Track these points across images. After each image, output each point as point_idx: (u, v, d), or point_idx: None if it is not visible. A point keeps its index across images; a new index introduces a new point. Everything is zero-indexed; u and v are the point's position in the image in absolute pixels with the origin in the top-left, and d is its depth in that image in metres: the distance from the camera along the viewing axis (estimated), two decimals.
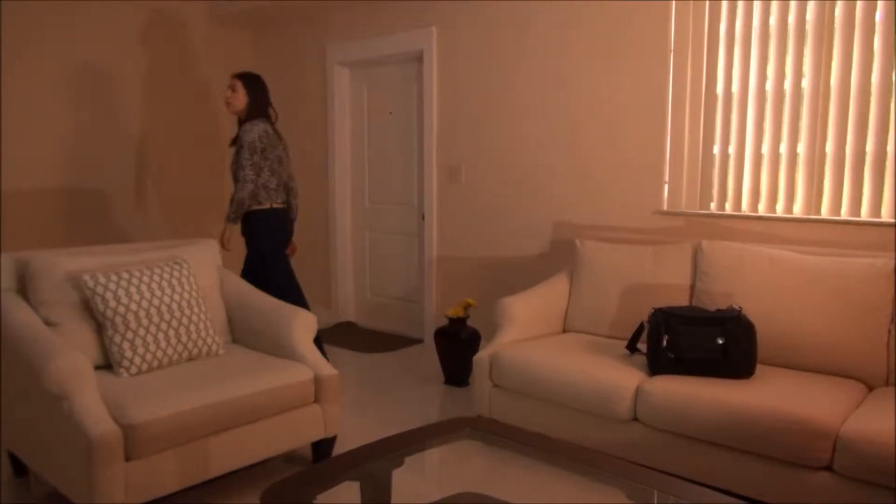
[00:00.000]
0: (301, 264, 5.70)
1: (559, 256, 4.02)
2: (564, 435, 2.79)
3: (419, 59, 4.75)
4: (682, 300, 3.08)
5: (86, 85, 4.87)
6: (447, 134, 4.51)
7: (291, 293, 3.77)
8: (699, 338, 2.60)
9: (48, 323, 2.55)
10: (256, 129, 3.59)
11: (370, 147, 5.21)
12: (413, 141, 4.89)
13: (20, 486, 2.69)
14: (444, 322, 4.61)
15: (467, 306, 3.90)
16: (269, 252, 3.72)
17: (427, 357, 4.52)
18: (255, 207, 3.65)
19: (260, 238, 3.68)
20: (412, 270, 5.01)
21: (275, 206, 3.70)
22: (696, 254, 3.13)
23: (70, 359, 2.19)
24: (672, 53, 3.50)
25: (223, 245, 3.71)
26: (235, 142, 3.67)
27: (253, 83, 3.69)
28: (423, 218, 4.84)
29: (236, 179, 3.60)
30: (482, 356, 3.04)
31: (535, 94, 4.04)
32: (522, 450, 2.09)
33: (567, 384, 2.72)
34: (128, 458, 2.18)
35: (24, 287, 2.67)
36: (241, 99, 3.68)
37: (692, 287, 3.10)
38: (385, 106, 5.06)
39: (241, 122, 3.70)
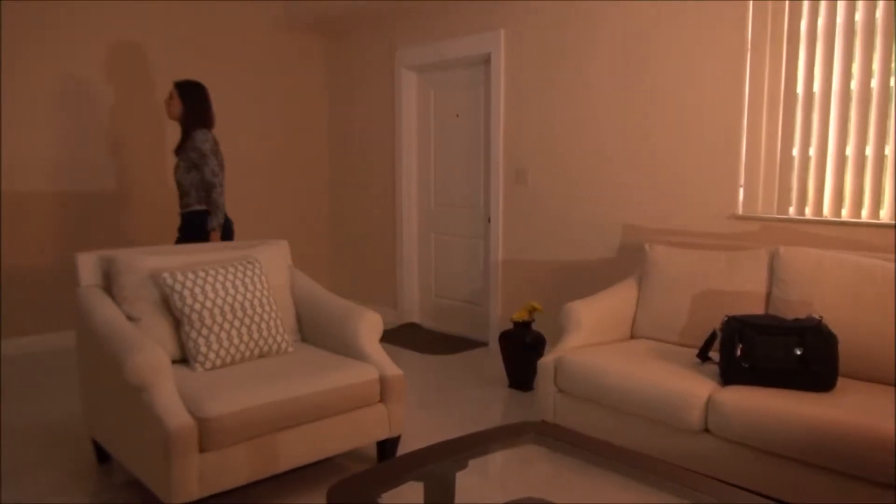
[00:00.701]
0: (367, 265, 5.79)
1: (627, 261, 3.94)
2: (631, 443, 2.73)
3: (486, 61, 4.76)
4: (756, 308, 2.97)
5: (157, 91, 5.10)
6: (514, 136, 4.50)
7: None
8: (776, 348, 2.50)
9: (130, 318, 2.67)
10: (210, 138, 3.74)
11: (436, 150, 5.25)
12: (479, 143, 4.90)
13: (103, 472, 2.83)
14: (509, 325, 4.59)
15: (532, 310, 3.87)
16: None
17: (491, 360, 4.51)
18: (198, 208, 3.77)
19: (206, 239, 3.79)
20: (477, 273, 5.01)
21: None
22: (773, 260, 3.01)
23: (150, 353, 2.29)
24: (749, 52, 3.38)
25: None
26: (179, 150, 3.78)
27: (188, 92, 3.79)
28: (488, 220, 4.84)
29: (208, 186, 3.70)
30: (547, 360, 3.01)
31: (604, 95, 3.97)
32: (587, 457, 2.06)
33: (635, 391, 2.66)
34: (202, 450, 2.26)
35: (108, 283, 2.81)
36: (176, 106, 3.80)
37: (768, 295, 2.98)
38: (452, 109, 5.09)
39: (184, 130, 3.80)
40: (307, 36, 5.86)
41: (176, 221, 5.12)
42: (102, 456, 2.90)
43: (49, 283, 4.69)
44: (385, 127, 5.50)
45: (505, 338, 3.91)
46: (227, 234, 3.92)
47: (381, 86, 5.49)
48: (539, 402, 3.06)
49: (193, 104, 3.78)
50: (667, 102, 3.70)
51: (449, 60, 4.92)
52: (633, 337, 3.36)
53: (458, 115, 5.04)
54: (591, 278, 4.13)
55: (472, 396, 3.78)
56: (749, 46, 3.38)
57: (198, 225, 3.78)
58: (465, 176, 5.04)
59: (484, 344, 4.90)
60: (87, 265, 2.80)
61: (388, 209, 5.54)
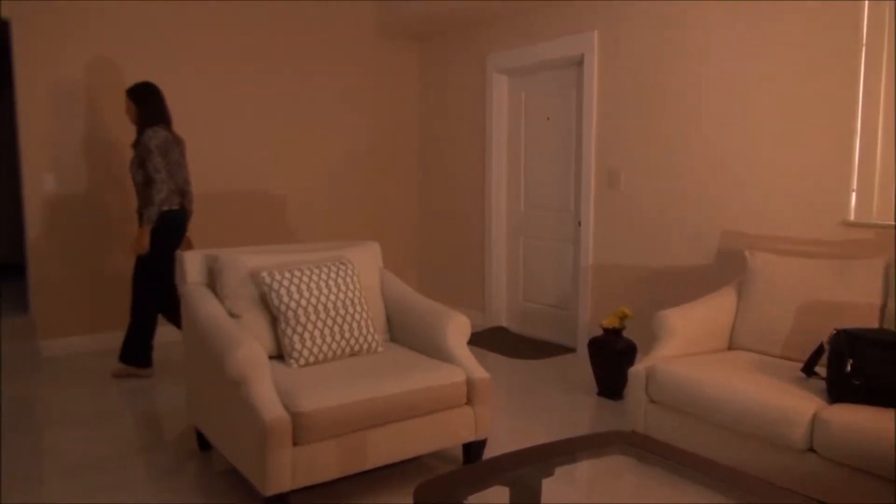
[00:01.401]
0: (456, 268, 5.82)
1: (726, 268, 3.78)
2: (726, 459, 2.61)
3: (579, 63, 4.69)
4: (869, 322, 2.77)
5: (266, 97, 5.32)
6: (606, 139, 4.41)
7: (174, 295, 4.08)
8: (890, 364, 2.32)
9: (231, 314, 2.80)
10: (158, 135, 3.87)
11: (527, 152, 5.22)
12: (571, 146, 4.83)
13: (204, 459, 2.98)
14: (598, 331, 4.50)
15: (623, 316, 3.78)
16: (163, 251, 3.96)
17: (579, 366, 4.43)
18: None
19: (157, 238, 3.92)
20: (566, 277, 4.94)
21: (172, 208, 3.97)
22: (889, 270, 2.80)
23: (249, 348, 2.40)
24: (864, 49, 3.17)
25: (139, 248, 3.91)
26: (136, 145, 3.91)
27: (137, 94, 3.96)
28: (579, 224, 4.76)
29: (148, 182, 3.85)
30: (638, 369, 2.93)
31: (703, 95, 3.83)
32: (679, 470, 1.99)
33: (733, 405, 2.55)
34: (295, 444, 2.34)
35: (212, 281, 2.96)
36: (132, 111, 3.99)
37: (883, 308, 2.78)
38: (543, 111, 5.05)
39: (140, 130, 3.94)
40: (399, 42, 5.97)
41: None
42: (203, 444, 3.06)
43: None
44: (475, 130, 5.52)
45: (594, 344, 3.83)
46: (178, 231, 4.02)
47: (471, 89, 5.52)
48: (629, 411, 2.98)
49: (143, 104, 3.96)
50: (772, 101, 3.53)
51: (540, 63, 4.88)
52: (731, 348, 3.21)
53: (548, 118, 5.00)
54: (685, 285, 3.99)
55: (559, 402, 3.73)
56: (864, 43, 3.17)
57: (156, 225, 3.93)
58: (555, 179, 4.98)
59: (572, 350, 4.82)
60: (193, 263, 2.96)
61: (478, 212, 5.56)
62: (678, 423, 2.79)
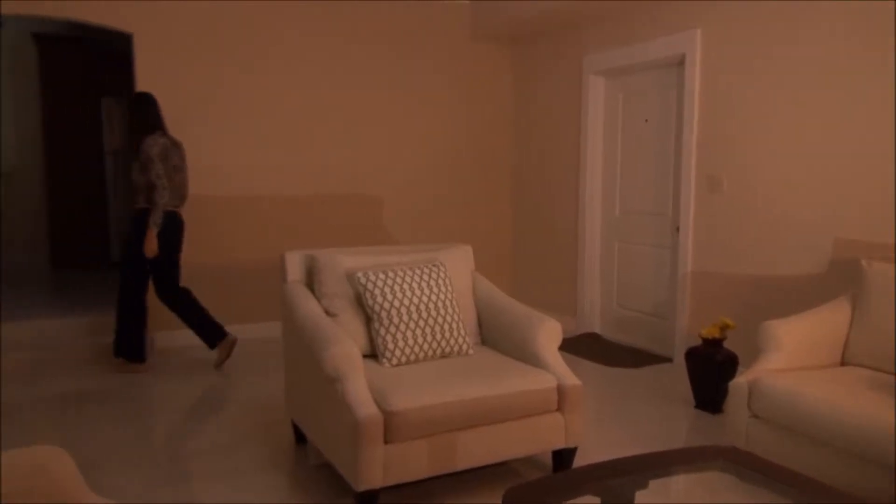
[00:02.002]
0: (548, 272, 5.77)
1: (838, 278, 3.55)
2: (836, 482, 2.45)
3: (680, 63, 4.53)
4: None
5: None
6: (708, 141, 4.24)
7: (181, 291, 4.31)
8: None
9: (328, 313, 2.89)
10: (158, 142, 4.07)
11: (623, 155, 5.10)
12: (669, 149, 4.68)
13: (299, 452, 3.09)
14: (697, 341, 4.33)
15: (725, 327, 3.62)
16: (166, 251, 4.16)
17: (675, 377, 4.28)
18: (144, 206, 4.10)
19: (160, 238, 4.10)
20: (663, 284, 4.78)
21: (175, 209, 4.21)
22: None
23: (345, 347, 2.47)
24: None
25: (150, 251, 4.07)
26: (137, 152, 4.12)
27: (136, 105, 4.18)
28: (677, 230, 4.60)
29: (151, 187, 4.03)
30: (740, 382, 2.79)
31: (816, 95, 3.61)
32: (784, 490, 1.88)
33: (846, 424, 2.38)
34: (386, 442, 2.39)
35: (310, 280, 3.07)
36: (131, 119, 4.22)
37: None
38: (640, 113, 4.92)
39: (139, 137, 4.14)
40: (493, 45, 5.98)
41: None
42: (300, 437, 3.17)
43: (265, 277, 5.22)
44: (570, 133, 5.45)
45: (693, 354, 3.69)
46: (176, 232, 4.22)
47: (567, 91, 5.45)
48: (729, 426, 2.84)
49: (138, 113, 4.17)
50: (892, 98, 3.28)
51: (639, 64, 4.76)
52: (843, 364, 3.01)
53: (646, 120, 4.86)
54: (793, 296, 3.77)
55: (653, 414, 3.62)
56: None
57: (143, 223, 4.10)
58: (652, 183, 4.84)
59: (668, 359, 4.66)
60: (294, 263, 3.08)
61: (571, 216, 5.48)
62: (782, 441, 2.64)
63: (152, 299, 4.59)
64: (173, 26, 4.79)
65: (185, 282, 4.93)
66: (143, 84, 4.74)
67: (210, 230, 5.02)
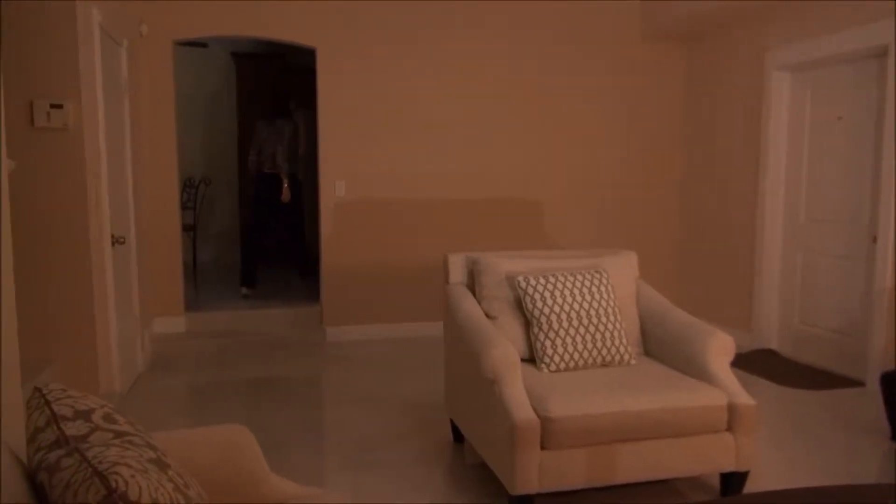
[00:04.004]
0: (719, 282, 5.42)
1: None
2: None
3: (881, 54, 4.07)
4: None
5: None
6: None
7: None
8: None
9: (488, 315, 2.93)
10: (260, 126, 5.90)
11: (810, 157, 4.67)
12: (866, 150, 4.21)
13: (456, 451, 3.16)
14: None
15: None
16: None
17: (867, 403, 3.84)
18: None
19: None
20: (854, 300, 4.31)
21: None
22: None
23: (504, 349, 2.48)
24: None
25: (286, 196, 5.86)
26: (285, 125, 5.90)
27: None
28: (874, 240, 4.13)
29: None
30: None
31: None
32: None
33: None
34: (543, 448, 2.37)
35: (471, 282, 3.12)
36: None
37: None
38: (832, 111, 4.47)
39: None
40: (665, 43, 5.73)
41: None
42: (458, 436, 3.24)
43: (429, 278, 5.41)
44: (749, 133, 5.09)
45: (890, 379, 3.29)
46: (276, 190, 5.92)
47: (745, 90, 5.09)
48: None
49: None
50: None
51: (831, 57, 4.33)
52: None
53: (840, 118, 4.41)
54: None
55: (838, 442, 3.27)
56: None
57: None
58: (845, 187, 4.38)
59: (859, 383, 4.19)
60: (456, 265, 3.15)
61: (747, 223, 5.11)
62: None
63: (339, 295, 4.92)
64: (350, 41, 5.11)
65: (358, 280, 5.24)
66: (323, 94, 5.10)
67: (379, 231, 5.28)
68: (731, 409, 2.54)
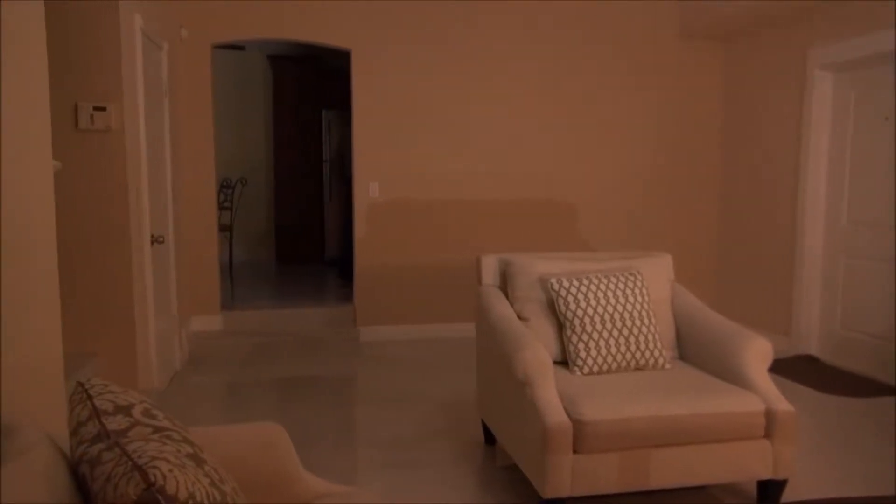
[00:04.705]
0: (757, 286, 5.32)
1: None
2: None
3: None
4: None
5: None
6: None
7: None
8: None
9: (521, 317, 2.92)
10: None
11: (853, 159, 4.55)
12: None
13: (488, 452, 3.15)
14: None
15: None
16: None
17: None
18: None
19: None
20: None
21: None
22: None
23: (536, 351, 2.47)
24: None
25: None
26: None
27: None
28: None
29: None
30: None
31: None
32: None
33: None
34: (576, 451, 2.35)
35: (504, 283, 3.11)
36: None
37: None
38: (878, 111, 4.35)
39: None
40: (702, 42, 5.64)
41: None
42: (489, 437, 3.23)
43: (461, 279, 5.41)
44: (789, 135, 4.98)
45: None
46: None
47: (786, 89, 4.99)
48: None
49: None
50: None
51: (876, 55, 4.22)
52: None
53: (886, 119, 4.29)
54: None
55: (882, 452, 3.18)
56: None
57: None
58: (889, 190, 4.26)
59: None
60: (489, 266, 3.15)
61: (787, 224, 5.00)
62: None
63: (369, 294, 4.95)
64: (384, 42, 5.14)
65: (391, 280, 5.27)
66: (357, 95, 5.14)
67: (411, 232, 5.30)
68: (770, 415, 2.49)
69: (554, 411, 2.37)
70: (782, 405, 2.50)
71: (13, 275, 2.05)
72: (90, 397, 1.29)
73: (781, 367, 4.55)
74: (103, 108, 3.30)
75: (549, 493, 2.34)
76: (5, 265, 1.99)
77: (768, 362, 2.66)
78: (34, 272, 2.21)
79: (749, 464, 2.48)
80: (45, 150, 2.25)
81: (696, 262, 5.83)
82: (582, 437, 2.33)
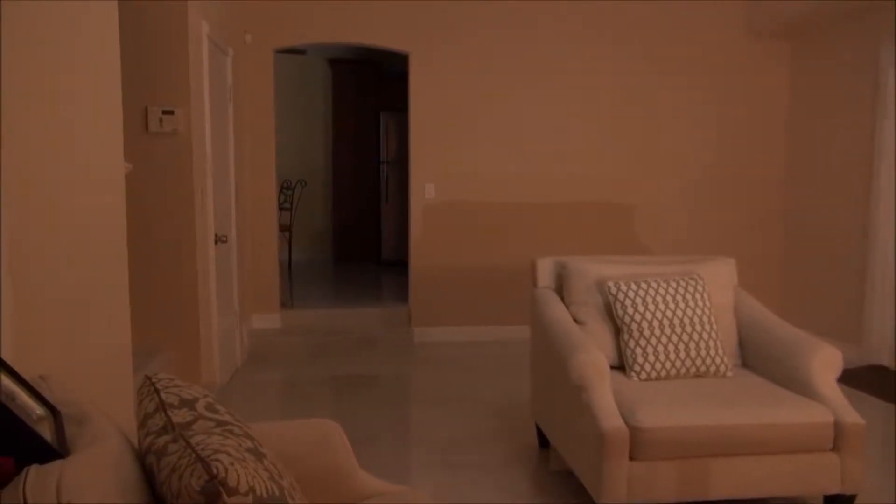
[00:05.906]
0: (825, 293, 5.11)
1: None
2: None
3: None
4: None
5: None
6: None
7: None
8: None
9: (576, 320, 2.88)
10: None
11: None
12: None
13: (541, 456, 3.12)
14: None
15: None
16: None
17: None
18: None
19: None
20: None
21: None
22: None
23: (592, 355, 2.44)
24: None
25: None
26: None
27: None
28: None
29: None
30: None
31: None
32: None
33: None
34: (632, 458, 2.31)
35: (559, 286, 3.08)
36: None
37: None
38: None
39: None
40: (769, 41, 5.46)
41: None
42: (543, 441, 3.20)
43: (517, 281, 5.39)
44: (860, 134, 4.77)
45: None
46: None
47: (857, 87, 4.78)
48: None
49: None
50: None
51: None
52: None
53: None
54: None
55: None
56: None
57: None
58: None
59: None
60: (544, 269, 3.12)
61: (858, 230, 4.79)
62: None
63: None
64: (441, 45, 5.16)
65: (446, 281, 5.29)
66: (415, 98, 5.18)
67: (467, 234, 5.30)
68: (838, 427, 2.39)
69: (610, 416, 2.33)
70: (851, 417, 2.40)
71: (86, 272, 2.14)
72: (157, 391, 1.34)
73: (851, 378, 4.36)
74: (172, 112, 3.42)
75: (604, 499, 2.31)
76: (79, 263, 2.08)
77: (837, 372, 2.56)
78: (106, 270, 2.30)
79: (815, 477, 2.39)
80: (117, 152, 2.34)
81: (760, 267, 5.64)
82: (639, 443, 2.29)
